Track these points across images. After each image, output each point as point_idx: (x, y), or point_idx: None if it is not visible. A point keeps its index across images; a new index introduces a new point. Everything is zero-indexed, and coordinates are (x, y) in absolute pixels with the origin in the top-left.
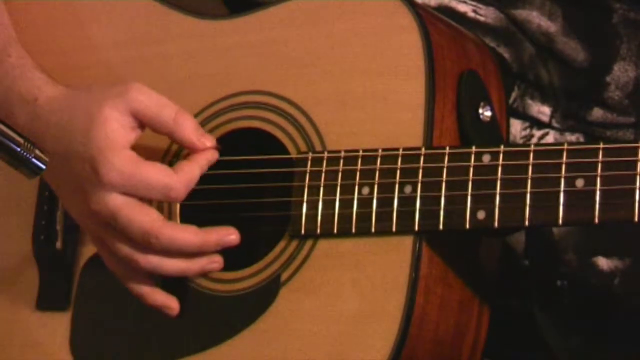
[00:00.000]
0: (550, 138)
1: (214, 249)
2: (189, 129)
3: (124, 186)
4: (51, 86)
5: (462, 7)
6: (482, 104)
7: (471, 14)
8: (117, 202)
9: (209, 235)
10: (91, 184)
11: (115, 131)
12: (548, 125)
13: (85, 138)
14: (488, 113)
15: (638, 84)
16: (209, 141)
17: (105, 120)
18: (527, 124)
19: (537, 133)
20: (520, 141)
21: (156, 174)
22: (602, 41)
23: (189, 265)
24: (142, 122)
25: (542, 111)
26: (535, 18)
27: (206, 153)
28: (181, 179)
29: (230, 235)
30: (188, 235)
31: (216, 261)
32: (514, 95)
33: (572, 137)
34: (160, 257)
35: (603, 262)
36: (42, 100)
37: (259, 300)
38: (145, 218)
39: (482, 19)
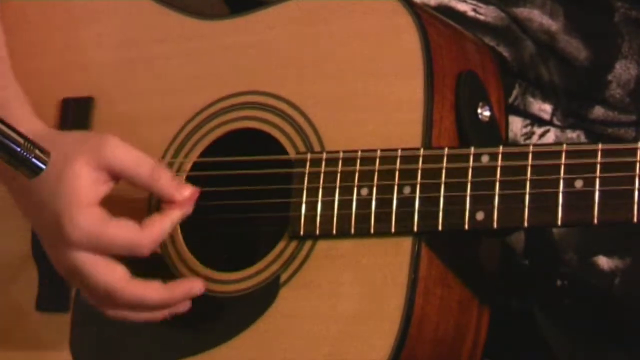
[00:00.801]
0: (551, 135)
1: (180, 302)
2: (166, 184)
3: (88, 245)
4: (28, 125)
5: (461, 6)
6: (480, 104)
7: (471, 13)
8: (81, 259)
9: (173, 291)
10: (57, 239)
11: (83, 187)
12: (549, 123)
13: (54, 191)
14: (487, 113)
15: (639, 82)
16: (187, 191)
17: (76, 176)
18: (527, 121)
19: (538, 130)
20: (521, 139)
21: (122, 233)
22: (604, 40)
23: (155, 315)
24: (117, 177)
25: (543, 109)
26: (537, 16)
27: (181, 207)
28: (148, 235)
29: (194, 289)
30: (153, 293)
31: (182, 305)
32: (514, 93)
33: (573, 135)
34: (126, 311)
35: (603, 262)
36: None
37: (259, 301)
38: (110, 277)
39: (482, 17)
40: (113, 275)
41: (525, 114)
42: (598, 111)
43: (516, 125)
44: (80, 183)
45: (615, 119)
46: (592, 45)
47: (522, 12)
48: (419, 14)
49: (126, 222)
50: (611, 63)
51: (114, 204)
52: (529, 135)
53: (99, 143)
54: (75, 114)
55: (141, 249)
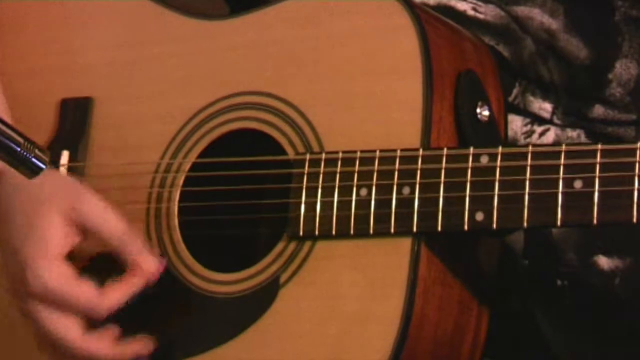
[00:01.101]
0: (551, 134)
1: None
2: (135, 251)
3: (47, 299)
4: None
5: (461, 6)
6: (480, 103)
7: (470, 12)
8: (38, 310)
9: (124, 350)
10: (18, 283)
11: (53, 239)
12: (549, 122)
13: (23, 236)
14: (486, 113)
15: (639, 82)
16: (154, 262)
17: (48, 225)
18: (527, 120)
19: (538, 129)
20: (521, 137)
21: (82, 295)
22: (604, 38)
23: None
24: (87, 232)
25: (544, 108)
26: (537, 15)
27: (145, 277)
28: (106, 302)
29: (143, 351)
30: (105, 350)
31: None
32: (515, 91)
33: (573, 134)
34: None
35: (603, 262)
36: None
37: (258, 301)
38: (63, 332)
39: (481, 16)
40: (67, 331)
41: (525, 112)
42: (598, 110)
43: (516, 124)
44: (51, 233)
45: (616, 118)
46: (592, 44)
47: (523, 10)
48: (418, 14)
49: (88, 284)
50: (611, 62)
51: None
52: (529, 133)
53: (78, 197)
54: (74, 115)
55: (97, 313)
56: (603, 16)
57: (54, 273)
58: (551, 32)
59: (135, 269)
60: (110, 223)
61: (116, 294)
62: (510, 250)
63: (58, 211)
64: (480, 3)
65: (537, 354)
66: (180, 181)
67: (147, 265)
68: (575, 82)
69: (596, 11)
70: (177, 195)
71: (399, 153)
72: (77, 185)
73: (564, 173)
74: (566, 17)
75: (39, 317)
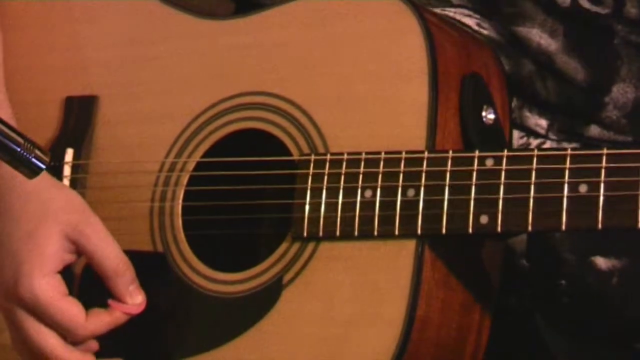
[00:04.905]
0: (547, 146)
1: None
2: (123, 284)
3: (33, 310)
4: None
5: (467, 20)
6: (485, 106)
7: (475, 28)
8: (23, 319)
9: None
10: (9, 288)
11: (51, 253)
12: (544, 137)
13: (23, 243)
14: (491, 116)
15: (637, 106)
16: (139, 298)
17: (47, 240)
18: (523, 133)
19: (534, 142)
20: None
21: (67, 314)
22: (603, 61)
23: None
24: (82, 254)
25: (539, 124)
26: (536, 36)
27: (129, 310)
28: (89, 327)
29: None
30: None
31: None
32: (512, 106)
33: (569, 146)
34: None
35: (601, 262)
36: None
37: (262, 302)
38: (45, 343)
39: (485, 32)
40: (47, 341)
41: (521, 127)
42: (594, 130)
43: (512, 136)
44: (49, 248)
45: (611, 138)
46: (590, 66)
47: (521, 31)
48: (424, 16)
49: (75, 304)
50: (608, 85)
51: (116, 208)
52: (525, 146)
53: (84, 219)
54: (79, 113)
55: (77, 335)
56: (602, 39)
57: (46, 287)
58: (549, 54)
59: (120, 303)
60: (107, 251)
61: (99, 322)
62: (510, 251)
63: (60, 228)
64: (484, 19)
65: (536, 354)
66: (185, 180)
67: (131, 300)
68: (572, 102)
69: (596, 34)
70: (181, 195)
71: (404, 155)
72: (87, 207)
73: (569, 177)
74: (565, 37)
75: (22, 326)
